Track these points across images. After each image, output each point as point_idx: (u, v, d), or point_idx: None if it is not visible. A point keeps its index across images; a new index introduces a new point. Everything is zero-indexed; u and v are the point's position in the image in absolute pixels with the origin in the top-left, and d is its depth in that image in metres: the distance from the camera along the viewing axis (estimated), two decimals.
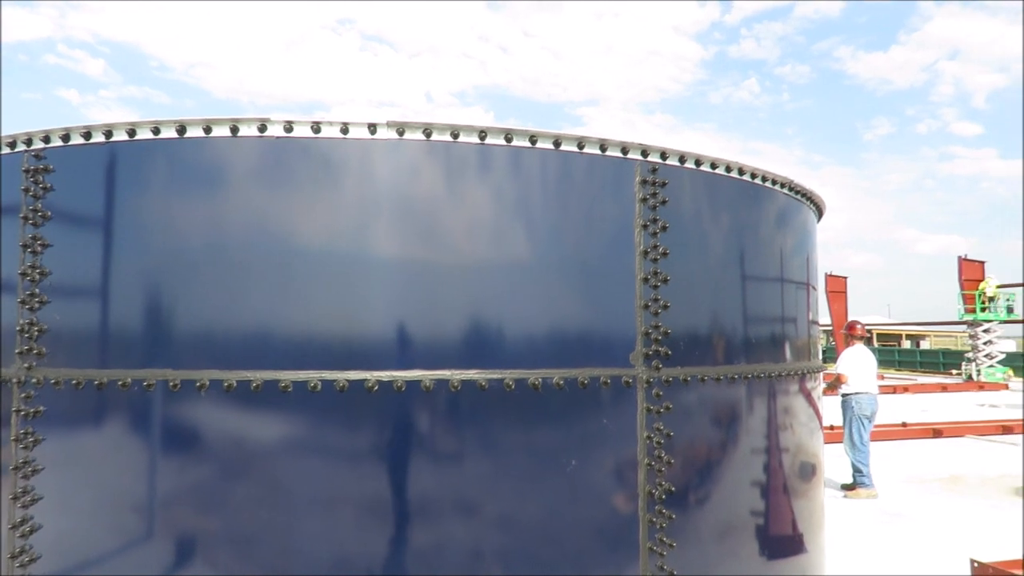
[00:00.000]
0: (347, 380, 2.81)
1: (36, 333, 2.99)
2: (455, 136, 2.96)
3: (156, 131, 2.91)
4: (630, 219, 3.21)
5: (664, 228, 3.24)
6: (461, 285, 2.98)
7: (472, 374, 2.91)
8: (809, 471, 4.17)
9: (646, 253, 3.22)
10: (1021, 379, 28.61)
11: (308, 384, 2.79)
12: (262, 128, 2.88)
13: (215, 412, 2.86)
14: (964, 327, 31.01)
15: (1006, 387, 24.89)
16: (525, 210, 3.10)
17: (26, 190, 3.04)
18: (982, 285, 28.77)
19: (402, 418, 2.91)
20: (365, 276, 2.88)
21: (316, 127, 2.87)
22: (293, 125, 2.88)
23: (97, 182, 3.01)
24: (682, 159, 3.35)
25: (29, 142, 3.07)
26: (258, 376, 2.80)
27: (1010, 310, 29.32)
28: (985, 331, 28.70)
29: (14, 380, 3.01)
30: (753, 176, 3.67)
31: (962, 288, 29.47)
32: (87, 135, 2.95)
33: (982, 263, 30.23)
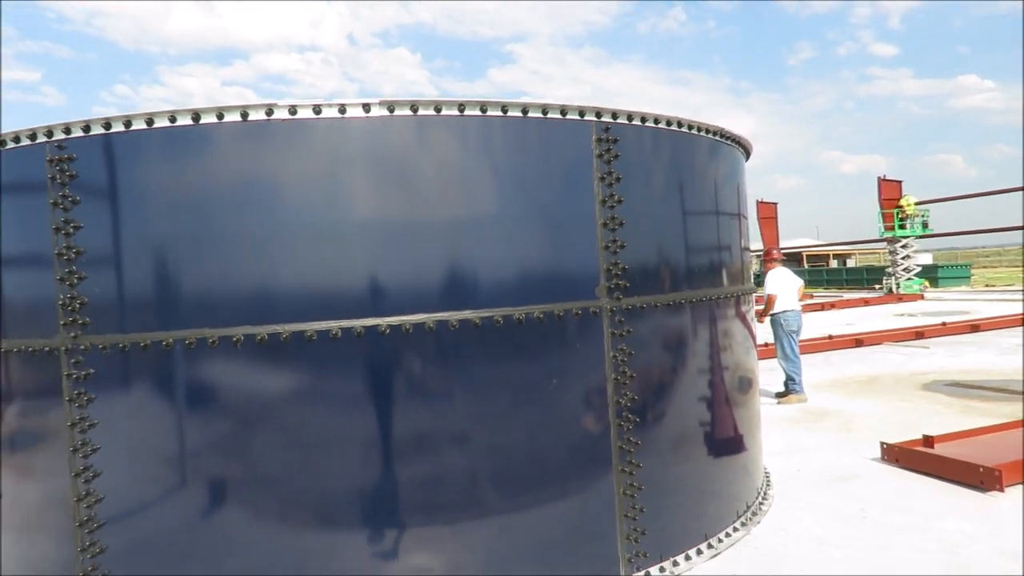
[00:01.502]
0: (363, 327, 3.31)
1: (78, 306, 3.38)
2: (438, 110, 3.43)
3: (173, 119, 3.29)
4: (589, 173, 3.75)
5: (618, 179, 3.80)
6: (454, 240, 3.49)
7: (467, 314, 3.45)
8: (747, 382, 4.89)
9: (604, 202, 3.77)
10: (934, 288, 30.75)
11: (330, 332, 3.29)
12: (269, 112, 3.28)
13: (248, 363, 3.34)
14: (884, 244, 32.88)
15: (921, 297, 26.81)
16: (501, 172, 3.61)
17: (52, 178, 3.38)
18: (902, 201, 30.47)
19: (410, 358, 3.43)
20: (373, 238, 3.36)
21: (317, 109, 3.29)
22: (310, 109, 3.29)
23: (126, 166, 3.37)
24: (630, 117, 3.88)
25: (50, 134, 3.39)
26: (287, 328, 3.28)
27: (925, 225, 31.23)
28: (903, 247, 30.58)
29: (62, 348, 3.41)
30: (689, 127, 4.24)
31: (882, 207, 31.16)
32: (107, 125, 3.29)
33: (899, 182, 31.94)
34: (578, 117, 3.71)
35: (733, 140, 4.77)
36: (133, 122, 3.30)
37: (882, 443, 5.89)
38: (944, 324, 14.78)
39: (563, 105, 3.69)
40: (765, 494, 5.05)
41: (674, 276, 4.16)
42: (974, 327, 14.54)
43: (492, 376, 3.59)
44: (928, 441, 5.74)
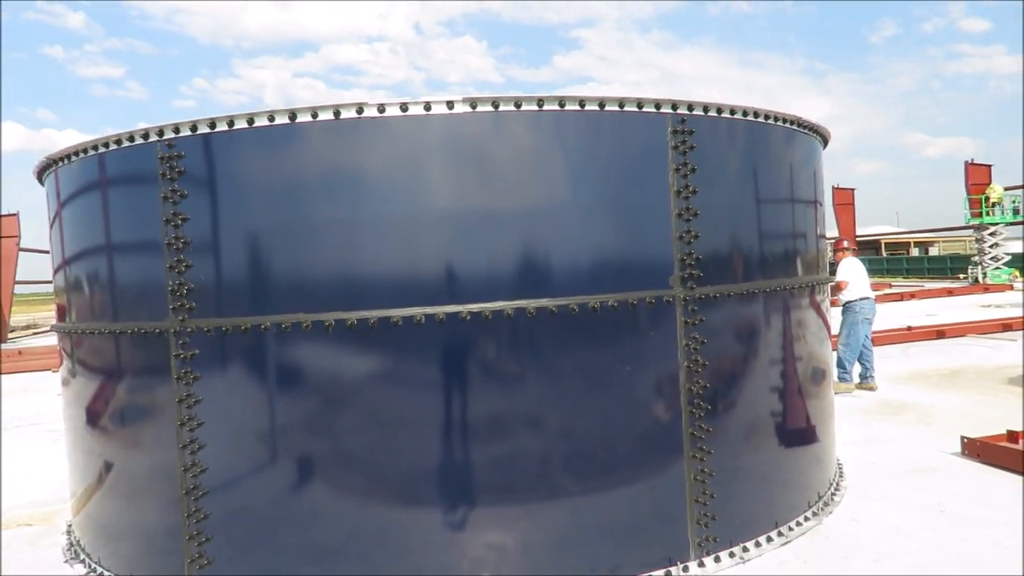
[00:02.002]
0: (445, 313, 3.49)
1: (185, 291, 3.67)
2: (518, 106, 3.55)
3: (271, 118, 3.52)
4: (664, 164, 3.82)
5: (693, 170, 3.85)
6: (533, 230, 3.63)
7: (544, 302, 3.58)
8: (820, 373, 4.87)
9: (679, 192, 3.84)
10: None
11: (414, 318, 3.48)
12: (359, 110, 3.48)
13: (338, 347, 3.56)
14: (971, 231, 31.41)
15: (1010, 287, 25.54)
16: (578, 164, 3.72)
17: (163, 175, 3.67)
18: (988, 190, 29.06)
19: (489, 343, 3.59)
20: (455, 228, 3.53)
21: (404, 107, 3.47)
22: (397, 107, 3.47)
23: (229, 164, 3.64)
24: (705, 109, 3.92)
25: (161, 133, 3.68)
26: (374, 314, 3.48)
27: (1016, 212, 29.69)
28: (991, 234, 29.17)
29: (170, 331, 3.71)
30: (765, 117, 4.24)
31: (968, 193, 29.78)
32: (212, 124, 3.55)
33: (988, 167, 30.44)
34: (654, 110, 3.78)
35: (810, 128, 4.73)
36: (236, 121, 3.55)
37: (962, 437, 5.75)
38: None
39: (639, 98, 3.76)
40: (838, 485, 5.02)
41: (748, 265, 4.19)
42: (1007, 326, 13.80)
43: (567, 362, 3.71)
44: (1013, 436, 5.58)
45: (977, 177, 29.98)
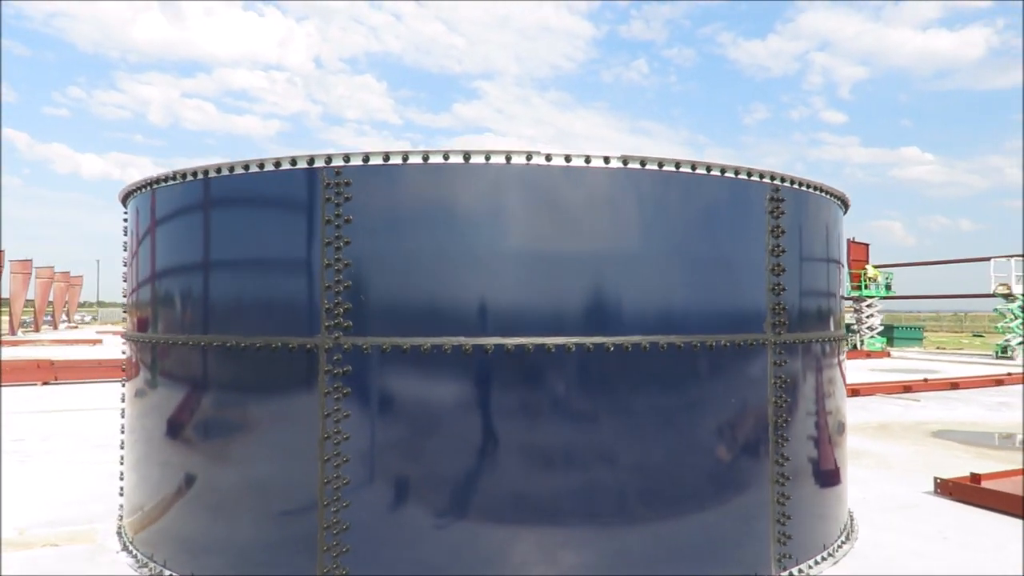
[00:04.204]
0: (592, 343, 3.88)
1: (342, 311, 3.88)
2: (642, 164, 4.05)
3: (446, 156, 3.86)
4: (763, 225, 4.43)
5: (783, 232, 4.49)
6: (657, 280, 4.12)
7: (672, 338, 4.05)
8: (844, 417, 5.57)
9: (772, 251, 4.45)
10: (893, 348, 32.39)
11: (545, 347, 3.85)
12: (508, 158, 3.88)
13: (499, 371, 3.87)
14: (850, 303, 34.55)
15: (888, 355, 28.27)
16: (689, 222, 4.26)
17: (328, 199, 3.91)
18: (868, 267, 32.22)
19: (634, 374, 4.00)
20: (558, 270, 3.96)
21: (568, 158, 3.90)
22: (547, 155, 3.90)
23: (387, 193, 3.92)
24: (792, 181, 4.59)
25: (329, 160, 3.92)
26: (518, 341, 3.83)
27: (888, 287, 33.01)
28: (868, 306, 32.23)
29: (322, 347, 3.90)
30: (826, 192, 4.97)
31: (849, 268, 32.82)
32: (405, 157, 3.85)
33: (866, 245, 33.77)
34: (758, 179, 4.40)
35: (843, 202, 5.52)
36: (410, 157, 3.86)
37: (936, 478, 6.63)
38: (926, 380, 15.87)
39: (740, 167, 4.37)
40: (852, 516, 5.70)
41: (813, 317, 4.85)
42: (954, 385, 15.64)
43: (683, 393, 4.18)
44: (976, 478, 6.49)
45: (857, 253, 33.16)
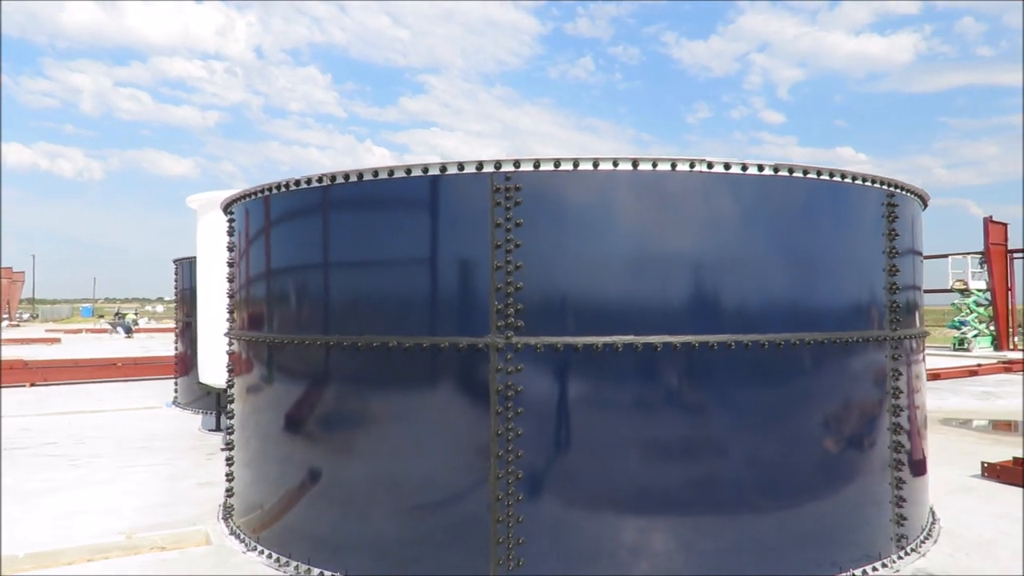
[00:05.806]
0: (746, 340, 4.11)
1: (514, 312, 4.01)
2: (790, 172, 4.30)
3: (615, 163, 4.02)
4: (880, 229, 4.73)
5: (896, 235, 4.80)
6: (782, 282, 4.37)
7: (805, 335, 4.31)
8: (927, 413, 5.93)
9: (889, 252, 4.76)
10: None
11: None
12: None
13: (667, 367, 4.06)
14: None
15: None
16: (830, 226, 4.53)
17: (498, 203, 4.03)
18: None
19: (752, 370, 4.24)
20: (732, 272, 4.19)
21: (710, 164, 4.11)
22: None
23: (556, 198, 4.07)
24: (902, 188, 4.90)
25: (498, 165, 4.05)
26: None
27: None
28: None
29: (493, 346, 4.03)
30: (917, 196, 5.31)
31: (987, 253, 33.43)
32: (576, 163, 4.00)
33: (1005, 225, 34.58)
34: (878, 185, 4.69)
35: (923, 200, 5.87)
36: (580, 163, 4.02)
37: (983, 462, 7.09)
38: None
39: (862, 174, 4.66)
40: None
41: (913, 313, 5.18)
42: (935, 375, 16.46)
43: (815, 386, 4.45)
44: (1019, 462, 6.97)
45: (996, 236, 33.81)
